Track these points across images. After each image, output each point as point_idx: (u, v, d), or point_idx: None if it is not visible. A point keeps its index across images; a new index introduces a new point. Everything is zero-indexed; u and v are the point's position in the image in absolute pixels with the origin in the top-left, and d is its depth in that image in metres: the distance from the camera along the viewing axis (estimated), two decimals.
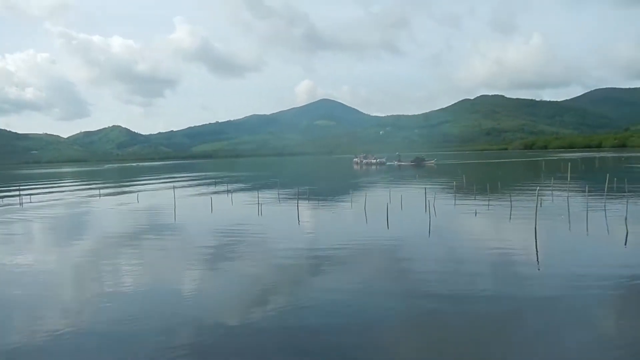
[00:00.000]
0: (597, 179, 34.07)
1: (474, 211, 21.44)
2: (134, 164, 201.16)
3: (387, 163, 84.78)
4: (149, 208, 28.36)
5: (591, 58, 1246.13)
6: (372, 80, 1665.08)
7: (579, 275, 10.90)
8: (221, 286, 11.26)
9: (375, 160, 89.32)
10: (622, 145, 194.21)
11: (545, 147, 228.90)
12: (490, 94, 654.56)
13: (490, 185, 28.22)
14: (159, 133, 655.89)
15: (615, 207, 20.99)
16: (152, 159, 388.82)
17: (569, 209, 21.03)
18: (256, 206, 25.18)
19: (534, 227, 16.22)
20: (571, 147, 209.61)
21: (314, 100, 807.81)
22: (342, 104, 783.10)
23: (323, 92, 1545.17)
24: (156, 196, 37.05)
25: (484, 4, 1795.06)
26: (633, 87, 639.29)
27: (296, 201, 25.63)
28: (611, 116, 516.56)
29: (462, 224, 19.25)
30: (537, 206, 17.31)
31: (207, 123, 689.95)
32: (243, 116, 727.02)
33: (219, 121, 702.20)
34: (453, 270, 11.75)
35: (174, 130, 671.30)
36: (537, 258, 12.93)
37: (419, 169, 65.73)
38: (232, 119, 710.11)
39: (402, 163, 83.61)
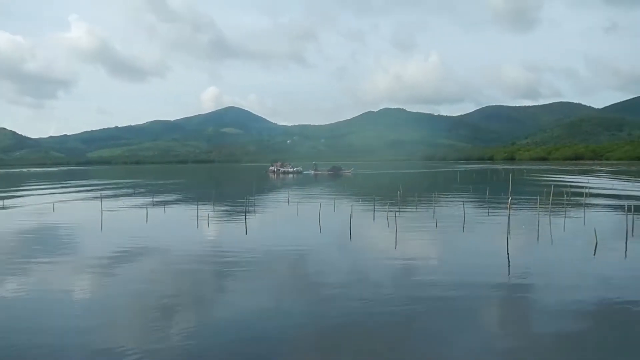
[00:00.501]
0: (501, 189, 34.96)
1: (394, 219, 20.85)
2: (24, 170, 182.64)
3: (304, 172, 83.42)
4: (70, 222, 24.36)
5: (482, 77, 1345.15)
6: (279, 89, 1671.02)
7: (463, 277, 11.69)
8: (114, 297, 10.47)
9: (292, 169, 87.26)
10: (511, 158, 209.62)
11: (444, 159, 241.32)
12: (392, 107, 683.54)
13: (419, 193, 28.24)
14: (51, 137, 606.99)
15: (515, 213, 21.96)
16: (43, 165, 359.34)
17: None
18: (195, 220, 22.74)
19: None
20: (467, 159, 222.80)
21: (221, 108, 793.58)
22: (250, 112, 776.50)
23: (230, 100, 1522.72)
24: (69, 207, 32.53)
25: (386, 22, 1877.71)
26: (518, 105, 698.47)
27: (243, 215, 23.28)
28: (500, 131, 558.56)
29: (378, 233, 19.29)
30: (508, 216, 17.37)
31: (105, 127, 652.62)
32: (145, 121, 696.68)
33: (119, 126, 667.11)
34: (361, 278, 11.93)
35: (68, 134, 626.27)
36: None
37: (336, 178, 65.16)
38: (132, 124, 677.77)
39: (319, 172, 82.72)
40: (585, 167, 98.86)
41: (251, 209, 25.53)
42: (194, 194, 35.25)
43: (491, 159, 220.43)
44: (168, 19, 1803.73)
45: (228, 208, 27.53)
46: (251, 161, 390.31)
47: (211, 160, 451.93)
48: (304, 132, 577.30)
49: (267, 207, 27.13)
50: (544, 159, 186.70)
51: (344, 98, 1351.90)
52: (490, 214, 22.88)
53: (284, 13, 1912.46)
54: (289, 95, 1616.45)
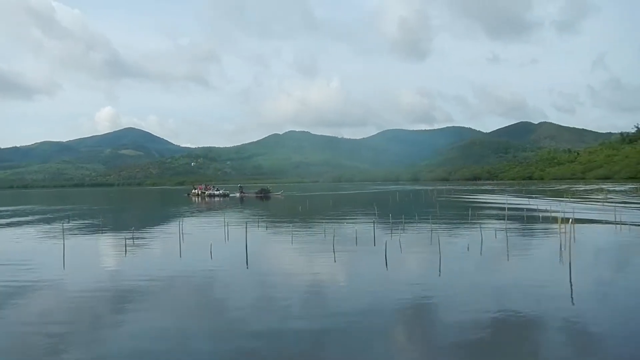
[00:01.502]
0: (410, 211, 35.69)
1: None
2: None
3: (230, 195, 79.37)
4: None
5: (382, 102, 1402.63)
6: (180, 111, 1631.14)
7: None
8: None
9: (218, 192, 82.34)
10: (415, 179, 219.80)
11: (351, 180, 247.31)
12: (297, 129, 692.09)
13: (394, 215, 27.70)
14: None
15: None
16: None
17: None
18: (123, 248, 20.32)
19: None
20: (373, 180, 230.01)
21: (118, 129, 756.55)
22: (150, 133, 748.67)
23: (128, 121, 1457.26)
24: None
25: (288, 46, 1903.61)
26: (416, 129, 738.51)
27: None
28: (400, 154, 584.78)
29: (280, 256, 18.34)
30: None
31: None
32: (32, 142, 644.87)
33: (2, 147, 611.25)
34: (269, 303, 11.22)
35: None
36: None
37: (265, 201, 62.73)
38: (18, 145, 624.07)
39: (245, 194, 79.46)
40: (488, 187, 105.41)
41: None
42: (112, 220, 32.16)
43: (396, 179, 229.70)
44: (57, 35, 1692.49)
45: (158, 233, 25.38)
46: (154, 184, 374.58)
47: (110, 183, 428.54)
48: (208, 154, 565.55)
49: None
50: (445, 179, 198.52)
51: (248, 120, 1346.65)
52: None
53: (184, 34, 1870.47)
54: (192, 117, 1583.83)
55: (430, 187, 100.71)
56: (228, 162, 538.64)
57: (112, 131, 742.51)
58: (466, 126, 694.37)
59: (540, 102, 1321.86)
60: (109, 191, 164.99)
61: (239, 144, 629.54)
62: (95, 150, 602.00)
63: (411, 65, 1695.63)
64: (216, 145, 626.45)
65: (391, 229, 23.40)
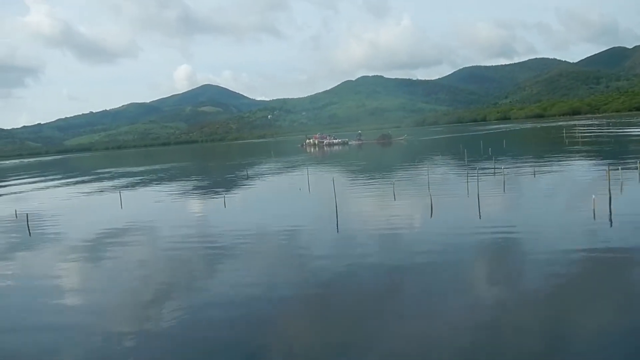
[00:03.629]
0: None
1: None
2: (16, 161, 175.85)
3: (350, 143, 79.72)
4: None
5: (456, 38, 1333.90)
6: (253, 64, 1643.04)
7: None
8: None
9: (337, 141, 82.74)
10: (505, 118, 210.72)
11: (436, 123, 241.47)
12: (370, 74, 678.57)
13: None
14: (24, 127, 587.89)
15: None
16: (20, 156, 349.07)
17: None
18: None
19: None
20: (459, 122, 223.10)
21: (196, 87, 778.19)
22: (226, 89, 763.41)
23: (204, 78, 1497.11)
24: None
25: None
26: (494, 64, 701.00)
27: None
28: (479, 92, 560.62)
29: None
30: None
31: (80, 114, 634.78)
32: (120, 105, 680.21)
33: (93, 111, 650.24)
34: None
35: (42, 123, 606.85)
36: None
37: (386, 147, 62.22)
38: (108, 109, 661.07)
39: (363, 142, 78.58)
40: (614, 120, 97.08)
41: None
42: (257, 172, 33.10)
43: (484, 119, 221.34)
44: None
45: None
46: (236, 138, 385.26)
47: (194, 140, 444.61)
48: (284, 106, 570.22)
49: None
50: (540, 116, 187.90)
51: (320, 69, 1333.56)
52: None
53: None
54: (265, 70, 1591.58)
55: (547, 124, 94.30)
56: (303, 113, 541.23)
57: (190, 89, 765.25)
58: (550, 57, 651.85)
59: (634, 23, 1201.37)
60: (206, 148, 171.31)
61: (313, 93, 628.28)
62: (177, 109, 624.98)
63: None
64: (290, 97, 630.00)
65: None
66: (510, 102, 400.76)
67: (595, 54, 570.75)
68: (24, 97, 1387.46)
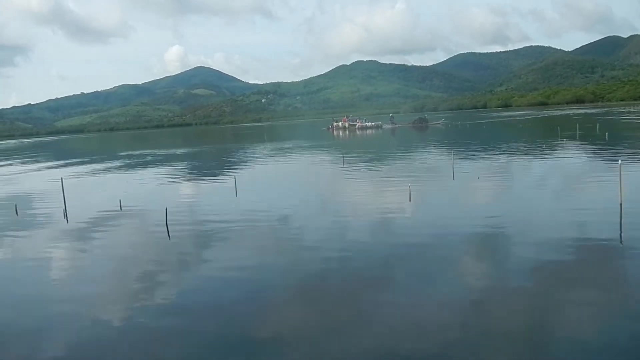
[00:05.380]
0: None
1: None
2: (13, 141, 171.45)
3: (383, 127, 75.62)
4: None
5: (451, 24, 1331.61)
6: (247, 47, 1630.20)
7: None
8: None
9: (371, 124, 78.08)
10: (506, 105, 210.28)
11: (436, 109, 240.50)
12: (364, 59, 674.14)
13: None
14: (14, 107, 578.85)
15: None
16: (11, 136, 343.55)
17: None
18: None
19: None
20: (459, 108, 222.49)
21: (188, 69, 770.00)
22: (219, 71, 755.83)
23: (196, 60, 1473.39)
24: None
25: None
26: (489, 51, 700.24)
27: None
28: (473, 79, 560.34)
29: None
30: None
31: (71, 94, 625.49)
32: (112, 86, 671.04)
33: (85, 92, 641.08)
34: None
35: (32, 103, 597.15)
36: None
37: (423, 131, 59.25)
38: (99, 90, 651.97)
39: (397, 126, 75.03)
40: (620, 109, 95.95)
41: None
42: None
43: (484, 107, 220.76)
44: None
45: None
46: (232, 122, 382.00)
47: (187, 123, 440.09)
48: (277, 89, 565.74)
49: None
50: (543, 104, 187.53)
51: (314, 52, 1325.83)
52: None
53: None
54: (258, 53, 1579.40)
55: (563, 112, 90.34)
56: (298, 97, 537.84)
57: (183, 71, 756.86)
58: (545, 45, 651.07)
59: (628, 12, 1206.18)
60: (207, 131, 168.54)
61: (307, 77, 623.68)
62: (170, 91, 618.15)
63: None
64: (284, 80, 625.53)
65: None
66: (506, 89, 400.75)
67: (590, 43, 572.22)
68: (13, 76, 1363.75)
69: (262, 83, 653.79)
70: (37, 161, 47.33)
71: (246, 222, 13.77)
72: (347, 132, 73.32)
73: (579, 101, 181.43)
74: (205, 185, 23.11)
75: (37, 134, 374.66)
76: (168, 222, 13.52)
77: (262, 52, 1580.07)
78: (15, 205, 14.81)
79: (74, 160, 43.86)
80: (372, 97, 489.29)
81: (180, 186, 22.60)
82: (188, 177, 26.35)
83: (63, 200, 15.09)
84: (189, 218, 15.09)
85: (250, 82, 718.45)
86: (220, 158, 37.77)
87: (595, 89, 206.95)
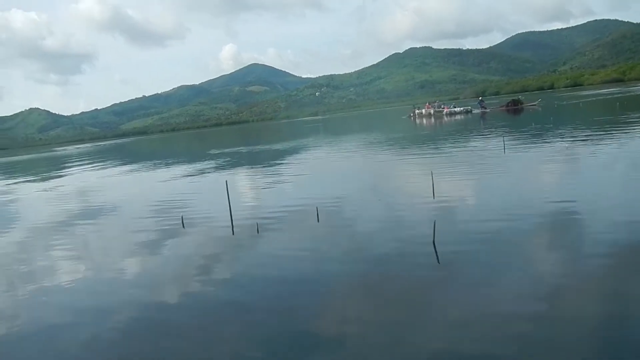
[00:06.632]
0: None
1: None
2: (88, 145, 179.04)
3: (474, 111, 72.08)
4: None
5: (507, 3, 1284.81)
6: (297, 41, 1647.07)
7: None
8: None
9: (459, 109, 72.94)
10: (576, 85, 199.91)
11: (498, 93, 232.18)
12: (418, 46, 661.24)
13: None
14: (82, 113, 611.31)
15: None
16: (81, 141, 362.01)
17: None
18: None
19: None
20: (524, 90, 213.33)
21: (243, 66, 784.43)
22: (272, 67, 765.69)
23: (249, 57, 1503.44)
24: None
25: None
26: (549, 29, 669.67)
27: None
28: (533, 60, 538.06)
29: None
30: None
31: (134, 98, 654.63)
32: (171, 88, 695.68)
33: (146, 95, 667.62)
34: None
35: (98, 108, 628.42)
36: None
37: (517, 114, 55.58)
38: (159, 92, 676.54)
39: (486, 110, 70.42)
40: None
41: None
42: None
43: (551, 87, 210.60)
44: None
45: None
46: (288, 117, 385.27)
47: (245, 120, 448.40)
48: (331, 82, 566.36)
49: None
50: (620, 81, 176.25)
51: (366, 42, 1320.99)
52: None
53: None
54: (309, 46, 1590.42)
55: None
56: (351, 89, 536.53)
57: (237, 69, 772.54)
58: (611, 18, 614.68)
59: None
60: (273, 127, 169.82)
61: (359, 68, 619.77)
62: (225, 89, 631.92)
63: None
64: (336, 73, 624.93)
65: None
66: (571, 68, 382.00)
67: None
68: (80, 83, 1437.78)
69: (314, 76, 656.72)
70: (133, 162, 48.18)
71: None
72: (432, 119, 69.29)
73: None
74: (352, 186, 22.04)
75: (105, 137, 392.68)
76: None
77: (313, 45, 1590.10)
78: (182, 217, 14.23)
79: (170, 160, 44.35)
80: (427, 85, 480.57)
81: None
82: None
83: (228, 203, 14.32)
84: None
85: (303, 76, 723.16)
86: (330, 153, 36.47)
87: None
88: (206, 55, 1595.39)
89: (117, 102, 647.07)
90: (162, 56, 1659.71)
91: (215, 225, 13.20)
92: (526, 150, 23.52)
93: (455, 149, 26.30)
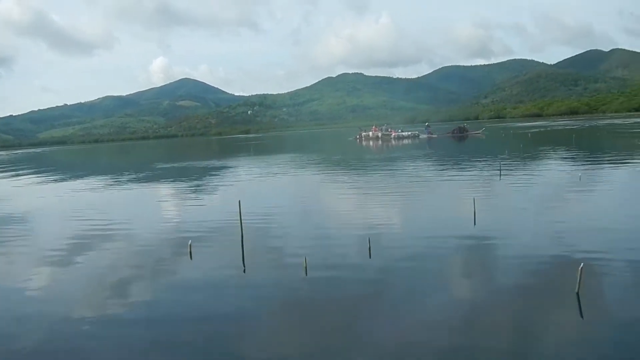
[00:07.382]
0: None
1: None
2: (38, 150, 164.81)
3: (421, 136, 71.87)
4: None
5: (435, 37, 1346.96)
6: (232, 58, 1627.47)
7: None
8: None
9: (407, 134, 72.82)
10: (498, 117, 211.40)
11: (429, 121, 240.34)
12: (350, 71, 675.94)
13: None
14: None
15: None
16: None
17: None
18: None
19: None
20: (451, 120, 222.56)
21: (174, 80, 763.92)
22: (204, 83, 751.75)
23: (180, 71, 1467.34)
24: None
25: None
26: (472, 64, 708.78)
27: None
28: (458, 92, 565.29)
29: None
30: None
31: (54, 106, 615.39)
32: (95, 97, 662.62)
33: (68, 104, 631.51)
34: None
35: (13, 114, 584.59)
36: None
37: (461, 141, 56.05)
38: (82, 101, 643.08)
39: (433, 135, 70.73)
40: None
41: None
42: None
43: (476, 118, 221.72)
44: None
45: None
46: (219, 133, 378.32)
47: (173, 135, 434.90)
48: (264, 101, 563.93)
49: None
50: (538, 115, 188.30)
51: (300, 64, 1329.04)
52: None
53: None
54: (243, 64, 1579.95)
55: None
56: (284, 109, 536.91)
57: (167, 82, 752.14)
58: (528, 58, 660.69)
59: (609, 27, 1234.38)
60: (211, 142, 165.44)
61: (293, 89, 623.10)
62: (154, 102, 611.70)
63: None
64: (270, 92, 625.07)
65: None
66: (492, 102, 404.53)
67: (571, 56, 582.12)
68: None
69: (247, 95, 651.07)
70: (74, 176, 44.17)
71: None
72: (379, 142, 68.84)
73: (573, 112, 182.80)
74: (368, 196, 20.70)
75: (19, 146, 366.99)
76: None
77: (247, 63, 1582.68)
78: (190, 244, 12.63)
79: (123, 174, 40.93)
80: (358, 109, 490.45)
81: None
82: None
83: (240, 220, 13.61)
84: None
85: (236, 93, 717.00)
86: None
87: (589, 100, 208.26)
88: (136, 66, 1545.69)
89: (35, 109, 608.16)
90: (88, 65, 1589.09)
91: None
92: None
93: (408, 175, 25.94)
